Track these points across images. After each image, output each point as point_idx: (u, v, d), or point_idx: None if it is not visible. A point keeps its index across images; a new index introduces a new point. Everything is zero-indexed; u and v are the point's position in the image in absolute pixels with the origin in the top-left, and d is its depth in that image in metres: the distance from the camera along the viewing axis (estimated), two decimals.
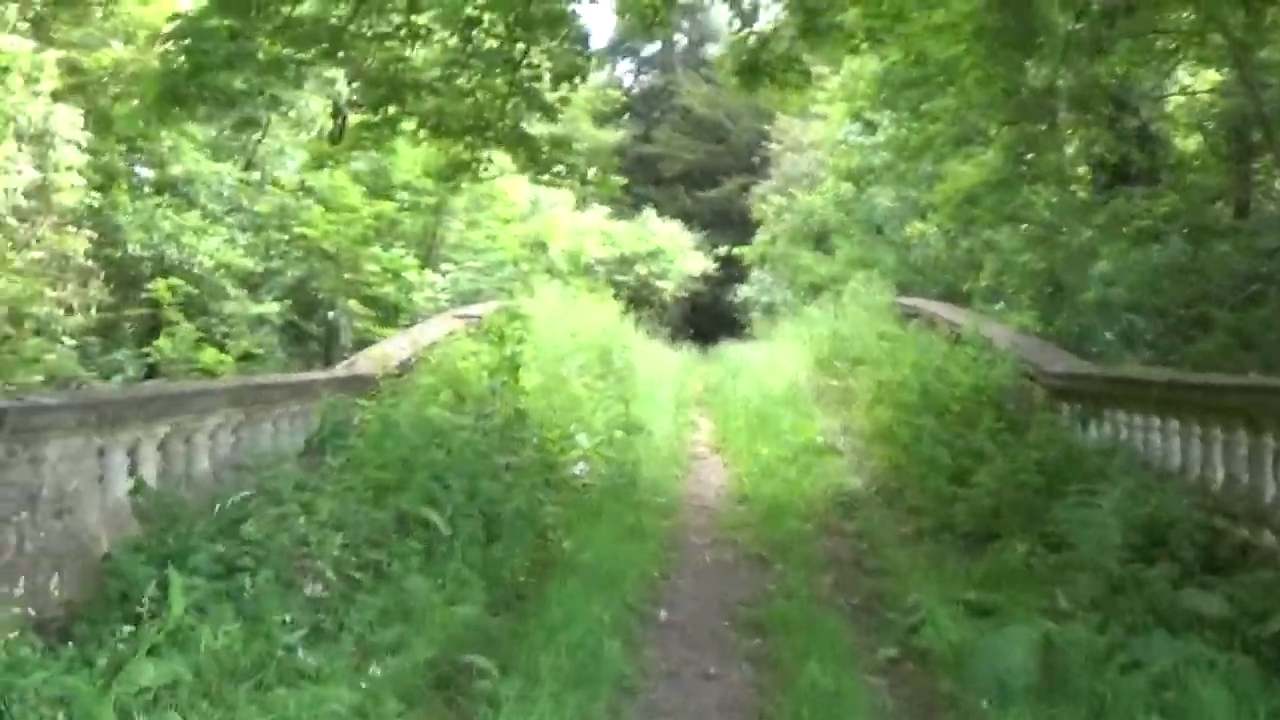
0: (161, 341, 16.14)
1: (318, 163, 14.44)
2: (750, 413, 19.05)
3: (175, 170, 20.27)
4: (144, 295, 17.39)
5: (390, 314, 20.69)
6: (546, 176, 14.76)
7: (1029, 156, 16.95)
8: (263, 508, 7.75)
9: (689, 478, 15.69)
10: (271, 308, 20.37)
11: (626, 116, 67.73)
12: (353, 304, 19.77)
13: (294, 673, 6.11)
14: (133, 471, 7.27)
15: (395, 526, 8.79)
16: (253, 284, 20.90)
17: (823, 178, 36.79)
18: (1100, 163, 19.07)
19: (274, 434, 9.77)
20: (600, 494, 12.61)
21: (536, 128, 13.97)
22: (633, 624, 8.65)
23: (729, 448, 17.55)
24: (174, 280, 16.79)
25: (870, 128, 26.46)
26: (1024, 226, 18.33)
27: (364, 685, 6.14)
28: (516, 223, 31.68)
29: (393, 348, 14.19)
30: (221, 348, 16.49)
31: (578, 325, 21.58)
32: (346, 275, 19.84)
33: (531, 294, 24.03)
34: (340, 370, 12.81)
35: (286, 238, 20.60)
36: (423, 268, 21.72)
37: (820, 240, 36.01)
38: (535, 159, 14.22)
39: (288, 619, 6.56)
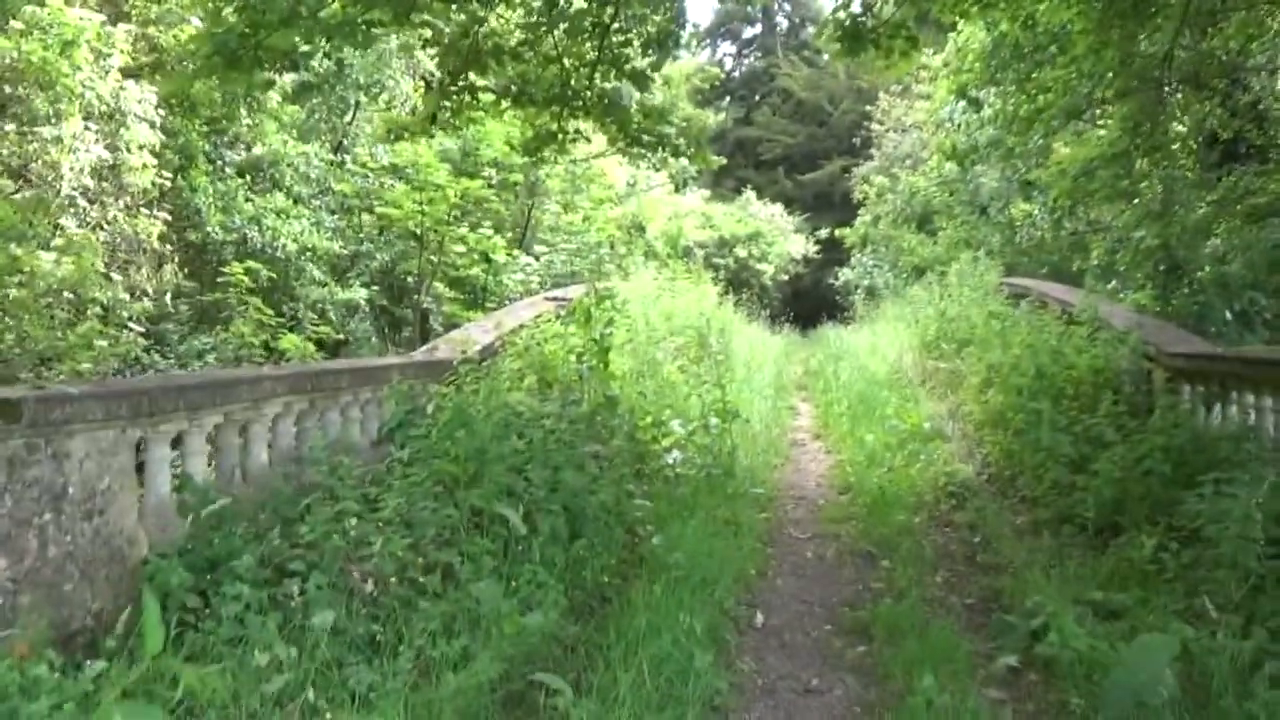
0: (238, 326, 15.66)
1: (393, 135, 13.77)
2: (853, 397, 18.31)
3: (258, 151, 19.83)
4: (223, 280, 16.92)
5: (479, 297, 20.16)
6: (637, 149, 14.00)
7: (1144, 129, 16.02)
8: (320, 505, 7.18)
9: (788, 466, 14.96)
10: (359, 293, 19.95)
11: (727, 100, 69.36)
12: (440, 287, 19.25)
13: (342, 693, 5.52)
14: (178, 466, 6.74)
15: (467, 524, 8.15)
16: (341, 269, 20.64)
17: (925, 158, 36.40)
18: (1213, 139, 18.17)
19: (343, 424, 9.24)
20: (694, 485, 11.87)
21: (627, 97, 13.25)
22: (726, 631, 8.00)
23: (831, 434, 16.81)
24: (251, 264, 16.27)
25: (975, 105, 25.69)
26: (1136, 201, 17.46)
27: (419, 708, 5.52)
28: (613, 205, 31.13)
29: (477, 331, 13.62)
30: (314, 335, 16.19)
31: (674, 308, 20.97)
32: (432, 258, 19.31)
33: (626, 276, 23.54)
34: (419, 355, 12.25)
35: (369, 219, 20.15)
36: (514, 250, 21.14)
37: (923, 222, 35.43)
38: (625, 130, 13.49)
39: (339, 630, 5.96)
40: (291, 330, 16.44)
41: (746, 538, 10.58)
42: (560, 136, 13.78)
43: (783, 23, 75.71)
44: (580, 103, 13.14)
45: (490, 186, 20.88)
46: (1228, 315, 15.38)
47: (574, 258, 25.04)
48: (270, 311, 16.01)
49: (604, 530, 9.39)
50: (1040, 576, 8.73)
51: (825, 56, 65.90)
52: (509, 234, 25.69)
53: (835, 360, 23.20)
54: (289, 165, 20.14)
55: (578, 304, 14.30)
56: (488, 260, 19.85)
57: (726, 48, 78.03)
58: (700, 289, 25.79)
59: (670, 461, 12.61)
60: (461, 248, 19.43)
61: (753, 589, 9.29)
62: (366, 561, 6.86)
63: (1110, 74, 15.91)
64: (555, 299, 17.73)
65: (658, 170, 36.44)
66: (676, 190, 39.50)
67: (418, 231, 18.40)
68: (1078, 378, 12.37)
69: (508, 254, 20.22)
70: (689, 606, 7.92)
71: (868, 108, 46.39)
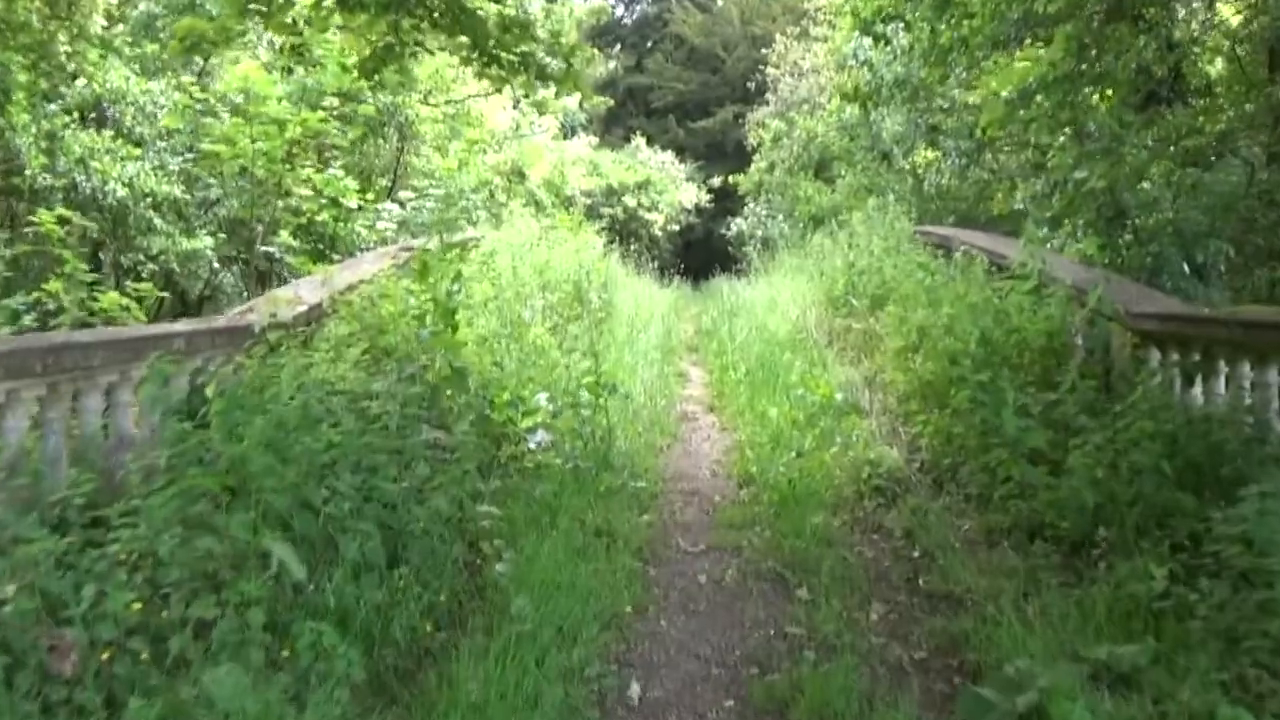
0: (52, 284, 13.13)
1: (191, 45, 11.20)
2: (751, 361, 15.99)
3: (95, 88, 17.41)
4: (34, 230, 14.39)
5: (328, 247, 17.60)
6: (496, 71, 11.49)
7: (1089, 53, 13.80)
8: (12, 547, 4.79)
9: (677, 449, 12.55)
10: (204, 241, 17.58)
11: (619, 47, 67.47)
12: (285, 236, 16.69)
13: None
14: None
15: (232, 561, 5.82)
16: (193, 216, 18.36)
17: (823, 103, 34.94)
18: (1146, 74, 16.08)
19: (110, 413, 6.99)
20: (559, 480, 9.51)
21: (482, 2, 10.77)
22: (588, 715, 5.66)
23: (727, 406, 14.41)
24: (62, 211, 13.66)
25: (883, 40, 23.69)
26: (1073, 135, 15.30)
27: None
28: (492, 149, 28.86)
29: (306, 289, 11.10)
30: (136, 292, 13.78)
31: (549, 260, 18.59)
32: (278, 202, 16.73)
33: (499, 225, 21.26)
34: (221, 320, 9.76)
35: (196, 156, 17.53)
36: (368, 195, 18.56)
37: (820, 169, 33.90)
38: (480, 46, 11.00)
39: None
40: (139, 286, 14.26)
41: (622, 554, 8.24)
42: (399, 50, 11.19)
43: None
44: (421, 9, 10.62)
45: (336, 120, 18.37)
46: (1185, 268, 13.28)
47: (444, 205, 22.59)
48: (84, 266, 13.55)
49: (436, 551, 7.07)
50: (1013, 615, 6.48)
51: (719, 2, 64.21)
52: (382, 181, 23.52)
53: (730, 317, 20.85)
54: (130, 104, 17.71)
55: (417, 256, 11.69)
56: (336, 205, 17.26)
57: None
58: (581, 238, 23.42)
59: (532, 447, 10.24)
60: (307, 190, 16.84)
61: (628, 637, 6.93)
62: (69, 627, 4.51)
63: None
64: (413, 250, 15.33)
65: (542, 114, 34.47)
66: (564, 137, 37.63)
67: (253, 171, 15.73)
68: (1028, 344, 10.16)
69: (361, 198, 17.60)
70: (538, 672, 5.60)
71: (763, 51, 44.40)
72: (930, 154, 25.50)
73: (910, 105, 23.97)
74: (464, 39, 11.10)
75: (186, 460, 6.40)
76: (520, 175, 30.28)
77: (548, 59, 11.48)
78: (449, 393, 9.69)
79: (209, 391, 7.36)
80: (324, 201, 16.99)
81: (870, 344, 15.03)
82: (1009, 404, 8.65)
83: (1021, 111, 13.97)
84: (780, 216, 35.63)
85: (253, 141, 14.80)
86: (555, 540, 7.96)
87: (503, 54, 11.32)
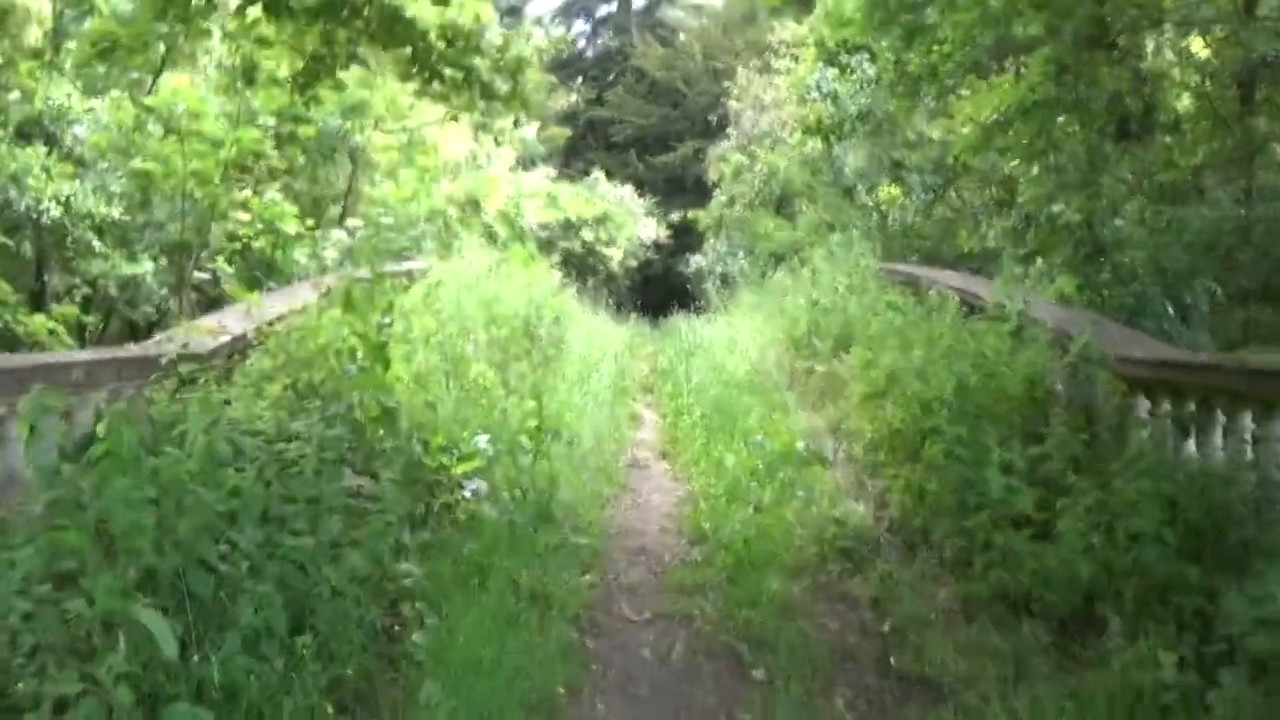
0: None
1: (103, 51, 10.29)
2: (708, 404, 15.15)
3: (30, 106, 16.57)
4: None
5: (266, 275, 16.66)
6: (438, 87, 10.61)
7: (1067, 78, 13.04)
8: None
9: (625, 500, 11.59)
10: (144, 266, 16.62)
11: (580, 80, 67.33)
12: (221, 262, 15.77)
13: None
14: None
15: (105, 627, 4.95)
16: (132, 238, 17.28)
17: (784, 138, 34.41)
18: (1121, 105, 15.38)
19: None
20: (493, 534, 8.64)
21: (422, 11, 9.85)
22: None
23: (681, 453, 13.53)
24: None
25: (847, 72, 23.05)
26: (1049, 166, 14.54)
27: None
28: (448, 179, 28.33)
29: (232, 318, 10.23)
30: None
31: (498, 293, 17.69)
32: (216, 227, 15.82)
33: (449, 256, 20.42)
34: (132, 349, 8.88)
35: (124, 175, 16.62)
36: (310, 223, 17.63)
37: (782, 204, 33.43)
38: (421, 60, 10.12)
39: None
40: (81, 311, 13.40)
41: (557, 623, 7.34)
42: (331, 62, 10.30)
43: (639, 1, 73.35)
44: (356, 17, 9.75)
45: (275, 140, 17.52)
46: (1168, 309, 12.53)
47: (393, 234, 21.74)
48: (8, 287, 12.72)
49: (347, 616, 6.15)
50: (999, 706, 5.64)
51: (682, 36, 63.71)
52: (334, 208, 23.20)
53: (687, 357, 20.00)
54: (71, 121, 16.82)
55: (341, 286, 10.70)
56: (274, 231, 16.33)
57: (580, 25, 75.47)
58: (534, 272, 22.54)
59: (468, 495, 9.34)
60: (244, 215, 15.94)
61: None
62: None
63: (1025, 13, 12.96)
64: (355, 280, 14.44)
65: (499, 144, 33.80)
66: (523, 169, 37.56)
67: (189, 193, 14.79)
68: (1005, 392, 9.33)
69: (301, 224, 16.69)
70: None
71: (726, 83, 43.88)
72: (894, 190, 24.82)
73: (874, 139, 23.37)
74: (403, 51, 10.26)
75: (62, 509, 5.51)
76: (475, 206, 29.47)
77: (493, 76, 10.63)
78: (377, 434, 8.81)
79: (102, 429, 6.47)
80: (260, 227, 16.12)
81: (834, 388, 14.16)
82: (993, 462, 7.78)
83: (997, 139, 13.19)
84: (740, 253, 35.07)
85: (185, 161, 13.92)
86: (484, 606, 7.08)
87: (444, 68, 10.48)
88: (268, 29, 10.17)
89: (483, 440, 10.18)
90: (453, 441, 9.83)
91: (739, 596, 7.89)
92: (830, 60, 24.33)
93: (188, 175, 14.01)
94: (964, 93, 16.49)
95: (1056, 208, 14.00)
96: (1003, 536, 7.45)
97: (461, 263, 19.07)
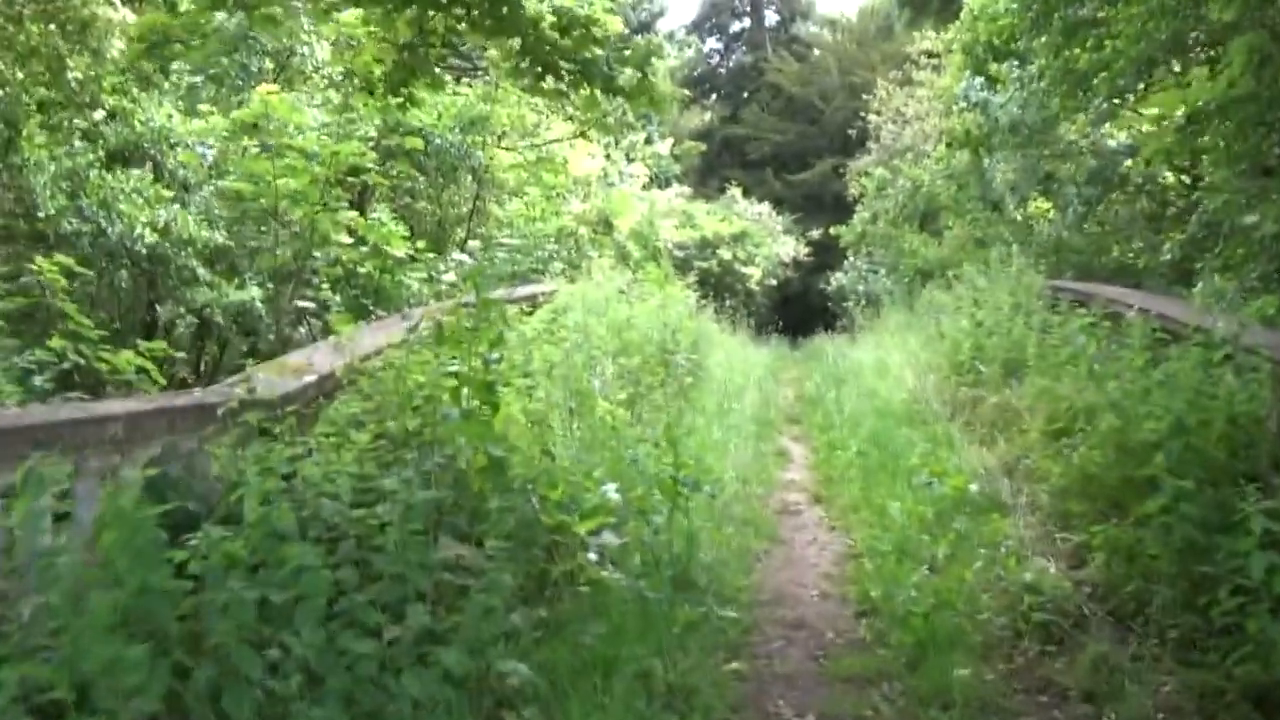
0: (55, 342, 11.23)
1: (147, 44, 9.17)
2: (863, 438, 13.71)
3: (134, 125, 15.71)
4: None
5: (376, 303, 15.48)
6: (552, 82, 9.34)
7: (1271, 66, 11.36)
8: None
9: (776, 556, 10.10)
10: (251, 292, 15.65)
11: (714, 98, 68.18)
12: (324, 288, 14.63)
13: None
14: None
15: None
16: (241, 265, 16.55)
17: (928, 151, 33.12)
18: None
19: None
20: (622, 609, 7.32)
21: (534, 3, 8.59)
22: None
23: (837, 496, 12.05)
24: (61, 258, 11.70)
25: (998, 81, 21.53)
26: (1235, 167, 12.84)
27: None
28: (575, 196, 27.17)
29: (322, 354, 9.07)
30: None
31: (630, 318, 16.43)
32: (315, 252, 14.64)
33: (574, 279, 19.25)
34: (196, 394, 7.70)
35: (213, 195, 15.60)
36: (420, 243, 16.44)
37: (926, 220, 32.03)
38: (532, 51, 8.86)
39: None
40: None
41: None
42: (426, 54, 9.05)
43: (772, 17, 72.86)
44: (456, 3, 8.50)
45: (386, 154, 16.44)
46: None
47: (518, 255, 20.61)
48: (87, 321, 11.66)
49: None
50: None
51: (817, 51, 63.06)
52: (459, 230, 22.08)
53: (836, 384, 18.51)
54: (174, 144, 15.91)
55: (434, 316, 9.27)
56: (380, 254, 15.13)
57: (713, 43, 74.99)
58: (669, 293, 21.28)
59: (592, 559, 8.02)
60: (346, 238, 14.77)
61: None
62: None
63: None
64: (463, 304, 13.25)
65: (631, 161, 32.80)
66: (656, 186, 36.90)
67: (285, 213, 13.67)
68: (1227, 435, 7.83)
69: (411, 246, 15.50)
70: None
71: (865, 97, 43.01)
72: (1043, 203, 23.86)
73: (1024, 150, 21.78)
74: (512, 42, 8.99)
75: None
76: (607, 225, 28.34)
77: (616, 68, 9.31)
78: (484, 490, 7.54)
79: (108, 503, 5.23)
80: (365, 250, 14.97)
81: (1006, 420, 12.63)
82: (1250, 531, 6.25)
83: (1198, 140, 11.52)
84: (882, 271, 33.92)
85: (274, 179, 12.80)
86: (609, 711, 5.75)
87: (559, 60, 9.20)
88: (351, 17, 8.99)
89: (610, 490, 8.86)
90: (574, 494, 8.53)
91: (923, 690, 6.45)
92: (978, 68, 22.84)
93: (279, 194, 12.85)
94: (1142, 90, 14.88)
95: (1251, 219, 12.35)
96: (1256, 624, 5.95)
97: (591, 285, 17.85)
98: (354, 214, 15.06)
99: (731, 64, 73.57)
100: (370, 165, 14.53)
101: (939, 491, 10.40)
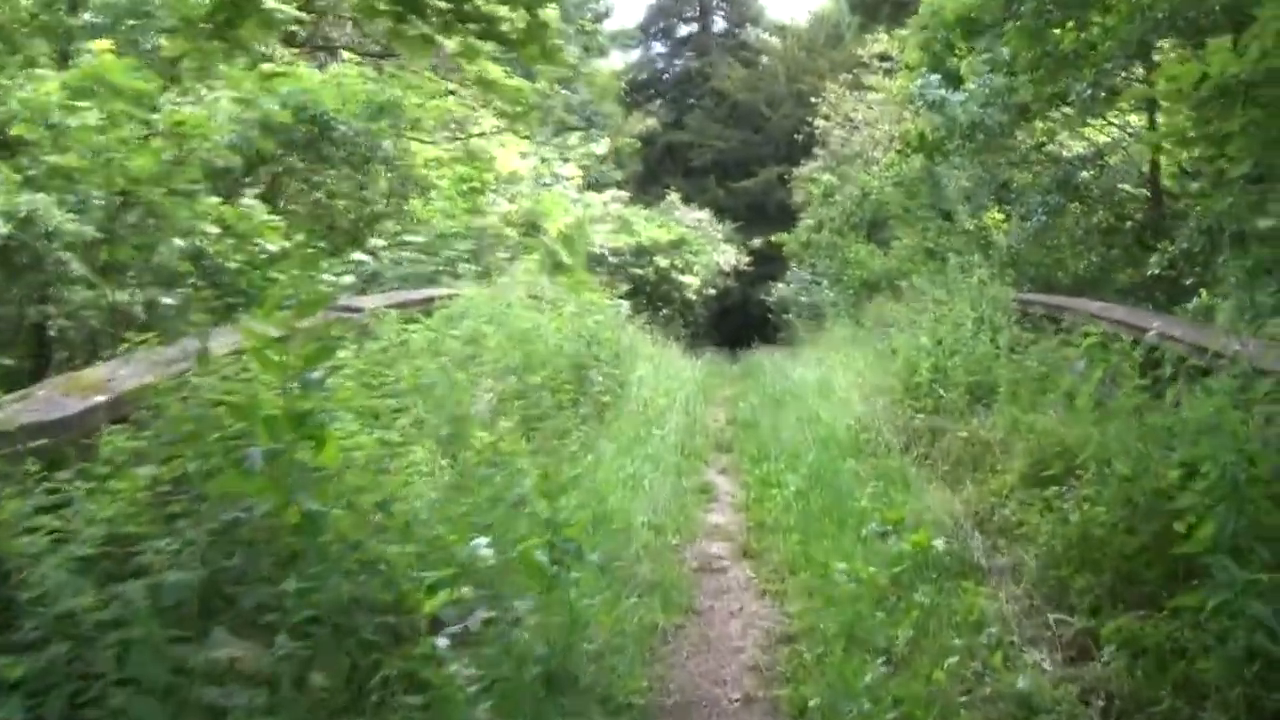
0: None
1: None
2: (803, 473, 11.63)
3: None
4: None
5: (247, 303, 13.29)
6: (417, 26, 7.27)
7: None
8: None
9: (689, 636, 7.77)
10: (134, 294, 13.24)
11: (658, 103, 66.09)
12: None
13: None
14: None
15: None
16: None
17: (877, 157, 32.28)
18: None
19: None
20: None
21: None
22: None
23: (770, 549, 9.77)
24: None
25: (954, 83, 19.77)
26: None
27: None
28: (506, 198, 25.44)
29: (133, 368, 7.00)
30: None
31: (541, 327, 14.40)
32: (179, 242, 12.44)
33: (491, 282, 17.33)
34: None
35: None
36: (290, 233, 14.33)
37: (873, 229, 30.57)
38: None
39: None
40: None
41: None
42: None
43: (720, 22, 71.65)
44: None
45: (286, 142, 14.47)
46: None
47: (424, 256, 18.62)
48: None
49: None
50: None
51: (765, 58, 63.31)
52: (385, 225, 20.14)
53: (774, 405, 16.51)
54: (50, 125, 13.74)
55: (244, 331, 6.97)
56: (253, 249, 12.95)
57: (659, 48, 73.36)
58: (591, 300, 19.31)
59: (442, 646, 5.89)
60: (213, 227, 12.60)
61: None
62: None
63: None
64: (343, 308, 11.22)
65: (565, 160, 31.18)
66: (592, 189, 35.71)
67: (109, 195, 11.42)
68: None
69: (275, 237, 13.31)
70: None
71: (813, 100, 41.77)
72: (997, 214, 22.59)
73: (981, 156, 20.08)
74: None
75: None
76: (535, 228, 26.43)
77: (499, 8, 7.26)
78: (291, 557, 5.49)
79: None
80: (232, 242, 12.81)
81: (974, 458, 10.55)
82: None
83: (1214, 124, 9.40)
84: (826, 282, 32.11)
85: (99, 154, 10.61)
86: None
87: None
88: None
89: (482, 546, 6.76)
90: (431, 555, 6.47)
91: None
92: (935, 65, 21.18)
93: (114, 171, 10.65)
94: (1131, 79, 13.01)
95: (1265, 223, 10.39)
96: None
97: (496, 289, 15.82)
98: (216, 201, 12.94)
99: (677, 69, 71.89)
100: (215, 141, 12.34)
101: (896, 548, 8.38)
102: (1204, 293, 11.89)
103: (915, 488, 10.35)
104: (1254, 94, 8.86)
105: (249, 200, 13.98)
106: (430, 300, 13.45)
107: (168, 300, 12.39)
